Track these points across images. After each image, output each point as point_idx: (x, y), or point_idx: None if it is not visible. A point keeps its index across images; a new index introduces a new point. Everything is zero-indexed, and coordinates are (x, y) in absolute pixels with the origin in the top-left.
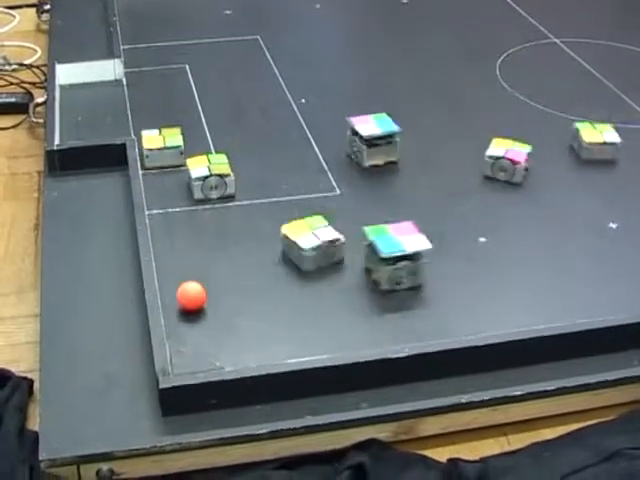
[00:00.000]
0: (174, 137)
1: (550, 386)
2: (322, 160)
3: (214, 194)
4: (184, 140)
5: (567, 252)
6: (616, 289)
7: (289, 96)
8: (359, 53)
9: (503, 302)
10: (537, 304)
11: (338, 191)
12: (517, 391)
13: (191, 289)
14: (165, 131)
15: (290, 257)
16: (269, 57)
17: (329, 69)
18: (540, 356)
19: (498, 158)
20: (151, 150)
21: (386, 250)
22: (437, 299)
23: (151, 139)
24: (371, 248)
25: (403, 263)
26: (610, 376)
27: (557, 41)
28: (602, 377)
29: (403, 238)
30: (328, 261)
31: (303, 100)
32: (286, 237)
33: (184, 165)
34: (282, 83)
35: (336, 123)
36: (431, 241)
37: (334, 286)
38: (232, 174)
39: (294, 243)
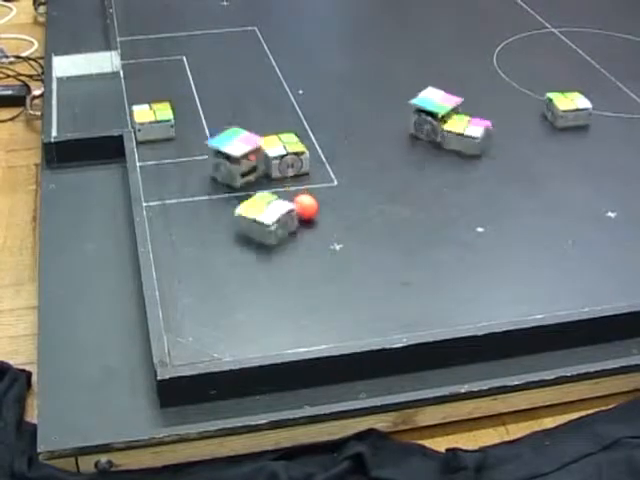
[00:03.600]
0: (164, 111)
1: (550, 375)
2: (319, 151)
3: (290, 172)
4: (174, 114)
5: (566, 241)
6: (615, 278)
7: (286, 87)
8: (356, 43)
9: (502, 291)
10: (536, 293)
11: (335, 182)
12: (516, 380)
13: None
14: (155, 105)
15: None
16: (266, 48)
17: (326, 60)
18: (539, 345)
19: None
20: (142, 124)
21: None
22: (436, 288)
23: (142, 113)
24: None
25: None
26: (610, 365)
27: (554, 30)
28: (602, 366)
29: (237, 143)
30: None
31: (300, 91)
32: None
33: (174, 139)
34: (279, 74)
35: (333, 114)
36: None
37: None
38: (307, 152)
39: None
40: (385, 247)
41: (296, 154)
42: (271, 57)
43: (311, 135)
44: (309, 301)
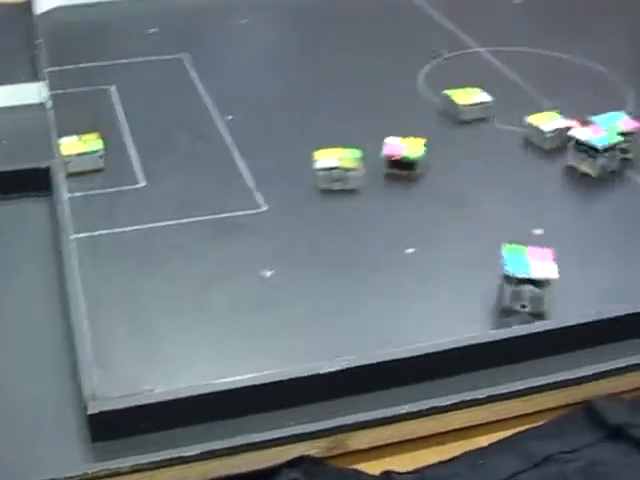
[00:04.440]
0: (93, 142)
1: (481, 394)
2: (248, 177)
3: (337, 186)
4: (104, 144)
5: (496, 259)
6: None
7: (216, 114)
8: (285, 68)
9: (433, 312)
10: (466, 313)
11: (265, 208)
12: (449, 400)
13: None
14: (84, 136)
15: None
16: (195, 75)
17: (256, 85)
18: (470, 364)
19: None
20: (70, 156)
21: (512, 270)
22: (367, 312)
23: (70, 145)
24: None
25: (527, 287)
26: (539, 381)
27: (480, 50)
28: (531, 383)
29: (534, 262)
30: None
31: (230, 117)
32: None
33: (104, 169)
34: (209, 101)
35: (263, 139)
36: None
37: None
38: (360, 169)
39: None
40: (316, 272)
41: (345, 169)
42: (200, 84)
43: (241, 161)
44: (240, 329)
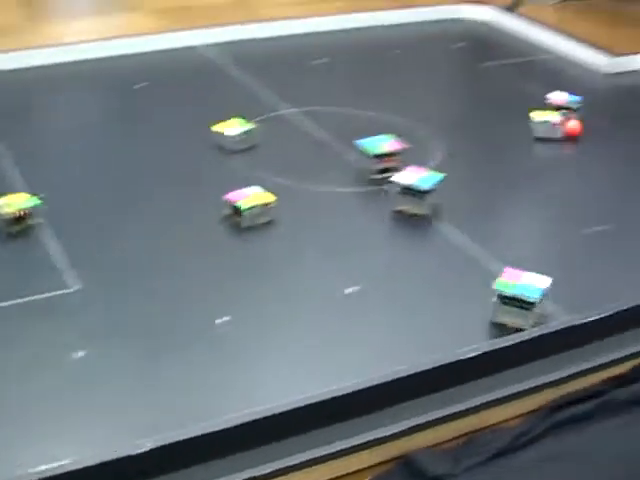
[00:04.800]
0: None
1: (296, 460)
2: (61, 257)
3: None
4: None
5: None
6: (356, 353)
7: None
8: (99, 143)
9: (250, 381)
10: (284, 377)
11: (76, 287)
12: (261, 470)
13: None
14: None
15: None
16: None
17: (68, 162)
18: (283, 431)
19: None
20: None
21: (533, 295)
22: (182, 386)
23: None
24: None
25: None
26: (353, 442)
27: (288, 111)
28: (346, 444)
29: (530, 279)
30: None
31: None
32: None
33: None
34: (19, 180)
35: (77, 217)
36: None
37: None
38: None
39: None
40: (128, 350)
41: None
42: (9, 163)
43: (51, 241)
44: (54, 415)
